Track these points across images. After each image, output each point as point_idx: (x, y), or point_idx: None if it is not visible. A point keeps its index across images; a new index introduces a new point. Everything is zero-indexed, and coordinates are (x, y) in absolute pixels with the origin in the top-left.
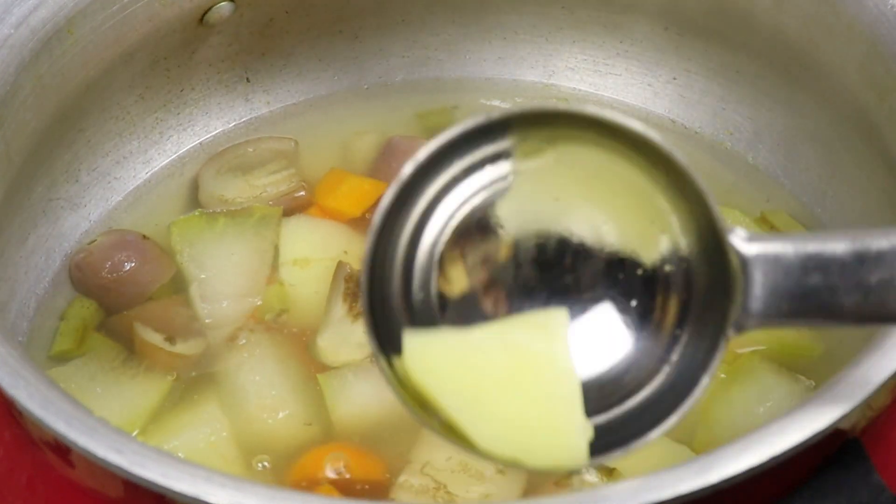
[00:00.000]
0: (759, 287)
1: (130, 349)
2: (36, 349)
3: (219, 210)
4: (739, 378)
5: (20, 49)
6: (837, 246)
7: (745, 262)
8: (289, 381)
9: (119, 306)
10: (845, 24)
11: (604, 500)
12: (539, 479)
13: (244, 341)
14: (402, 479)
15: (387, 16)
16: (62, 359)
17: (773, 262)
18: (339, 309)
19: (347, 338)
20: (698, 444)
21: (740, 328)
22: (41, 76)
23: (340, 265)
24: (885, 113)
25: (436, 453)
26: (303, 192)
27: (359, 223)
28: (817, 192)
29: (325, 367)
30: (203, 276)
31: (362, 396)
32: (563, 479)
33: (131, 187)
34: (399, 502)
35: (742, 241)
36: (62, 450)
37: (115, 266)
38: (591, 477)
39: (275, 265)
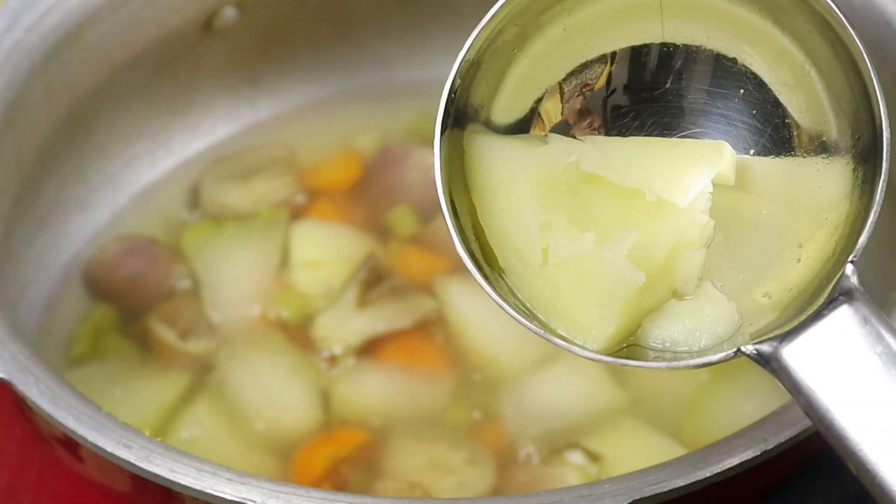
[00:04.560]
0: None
1: (147, 350)
2: (46, 347)
3: (226, 216)
4: (728, 374)
5: (30, 53)
6: None
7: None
8: (295, 380)
9: (134, 309)
10: None
11: (600, 496)
12: (505, 473)
13: (254, 341)
14: (377, 484)
15: (388, 21)
16: (80, 362)
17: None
18: (351, 293)
19: (345, 322)
20: (686, 438)
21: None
22: (51, 80)
23: (371, 255)
24: None
25: (405, 460)
26: (301, 198)
27: (368, 226)
28: None
29: (327, 359)
30: (214, 280)
31: (368, 394)
32: (549, 456)
33: (138, 189)
34: (396, 496)
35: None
36: (72, 445)
37: (128, 271)
38: (578, 457)
39: (285, 268)
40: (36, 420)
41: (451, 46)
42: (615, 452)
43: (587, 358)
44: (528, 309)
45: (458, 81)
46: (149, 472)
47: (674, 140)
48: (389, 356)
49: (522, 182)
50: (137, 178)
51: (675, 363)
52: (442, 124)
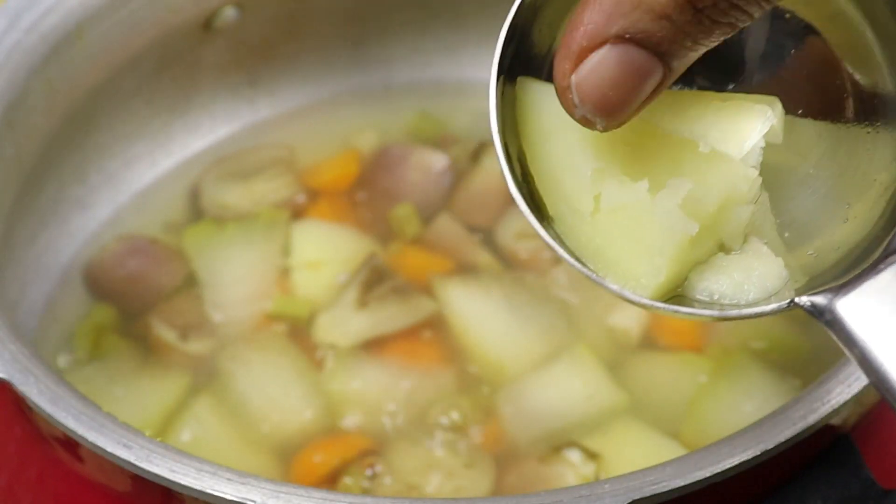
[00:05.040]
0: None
1: (147, 351)
2: (46, 347)
3: (227, 216)
4: (727, 374)
5: (31, 53)
6: None
7: None
8: (296, 380)
9: (135, 309)
10: None
11: (600, 496)
12: (504, 472)
13: (255, 341)
14: (376, 484)
15: (388, 21)
16: (80, 362)
17: None
18: (351, 293)
19: (346, 322)
20: (685, 438)
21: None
22: (51, 80)
23: (373, 255)
24: None
25: (403, 459)
26: (301, 198)
27: (369, 227)
28: None
29: (328, 359)
30: (215, 280)
31: (368, 394)
32: (548, 455)
33: (138, 188)
34: (396, 497)
35: None
36: (71, 445)
37: (128, 271)
38: (577, 456)
39: (286, 268)
40: (36, 420)
41: (451, 46)
42: (615, 452)
43: (639, 304)
44: (576, 257)
45: (517, 24)
46: (149, 472)
47: (727, 94)
48: (390, 356)
49: (575, 129)
50: (137, 178)
51: (727, 312)
52: (498, 68)
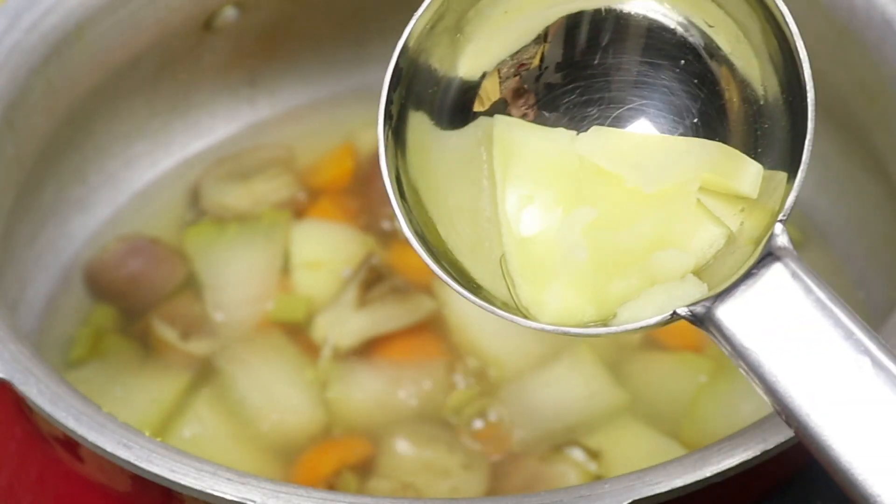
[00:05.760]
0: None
1: (148, 350)
2: (46, 347)
3: (227, 216)
4: (728, 374)
5: (30, 53)
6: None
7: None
8: (295, 380)
9: (136, 309)
10: (836, 30)
11: (600, 496)
12: (505, 471)
13: (255, 342)
14: (371, 483)
15: (389, 21)
16: (79, 363)
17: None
18: (351, 292)
19: (345, 321)
20: (686, 438)
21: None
22: (51, 80)
23: (371, 254)
24: (875, 116)
25: (400, 460)
26: (301, 197)
27: (369, 226)
28: (809, 194)
29: (328, 359)
30: (216, 281)
31: (368, 394)
32: (549, 454)
33: (138, 189)
34: (395, 497)
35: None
36: (72, 445)
37: (129, 271)
38: (579, 454)
39: (286, 269)
40: (36, 420)
41: None
42: (615, 452)
43: (533, 328)
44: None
45: (402, 68)
46: (149, 472)
47: (674, 138)
48: (389, 355)
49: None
50: (137, 178)
51: (613, 329)
52: (386, 110)
